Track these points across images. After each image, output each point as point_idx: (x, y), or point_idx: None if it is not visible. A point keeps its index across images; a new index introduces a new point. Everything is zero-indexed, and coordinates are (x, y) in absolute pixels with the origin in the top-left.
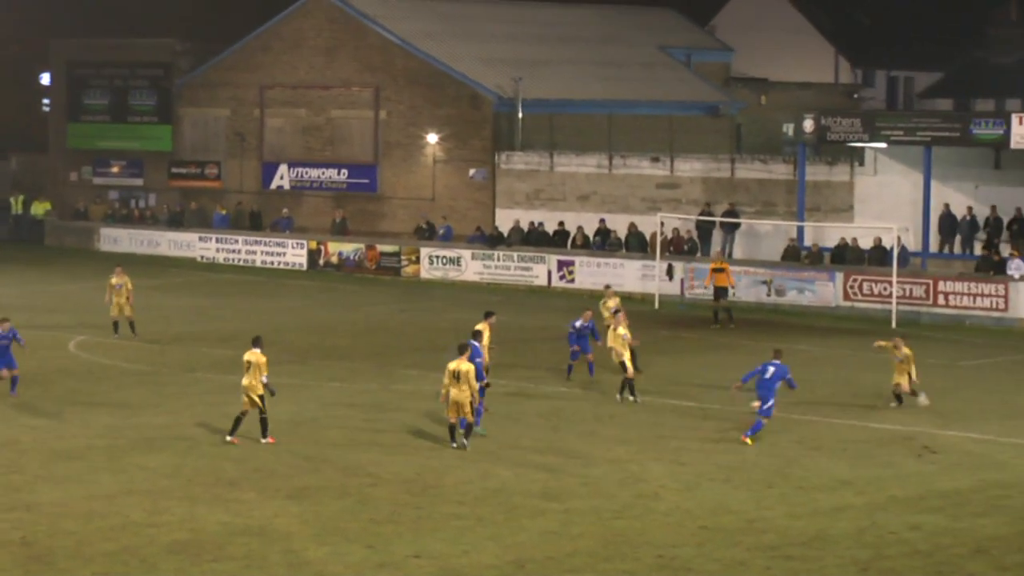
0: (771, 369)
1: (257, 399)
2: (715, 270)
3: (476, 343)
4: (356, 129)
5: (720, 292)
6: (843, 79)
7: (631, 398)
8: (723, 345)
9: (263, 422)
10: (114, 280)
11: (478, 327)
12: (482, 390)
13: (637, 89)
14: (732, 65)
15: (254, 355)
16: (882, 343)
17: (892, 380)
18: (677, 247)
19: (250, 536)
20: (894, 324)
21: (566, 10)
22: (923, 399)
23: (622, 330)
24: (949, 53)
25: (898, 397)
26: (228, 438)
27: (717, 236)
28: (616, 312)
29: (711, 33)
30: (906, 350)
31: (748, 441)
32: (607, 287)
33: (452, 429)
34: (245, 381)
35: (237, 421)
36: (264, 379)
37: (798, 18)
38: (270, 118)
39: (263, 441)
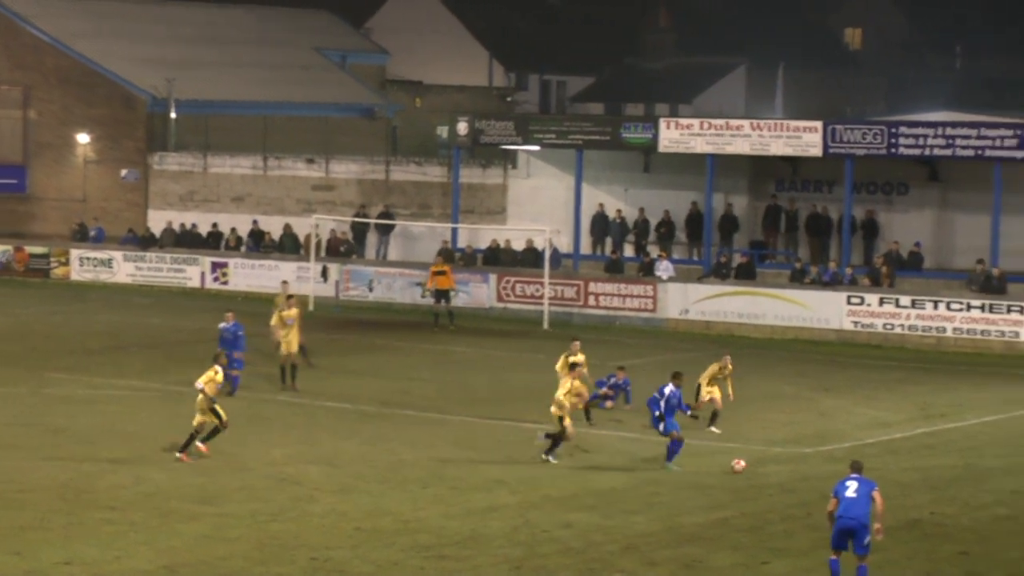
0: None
1: None
2: (436, 272)
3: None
4: (5, 129)
5: (441, 295)
6: (497, 83)
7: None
8: (378, 347)
9: None
10: None
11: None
12: None
13: (293, 91)
14: (387, 68)
15: None
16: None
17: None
18: (332, 249)
19: None
20: (546, 325)
21: (221, 11)
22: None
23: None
24: (601, 58)
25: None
26: None
27: (373, 238)
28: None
29: (367, 35)
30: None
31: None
32: (574, 340)
33: None
34: None
35: None
36: None
37: (453, 21)
38: None
39: None
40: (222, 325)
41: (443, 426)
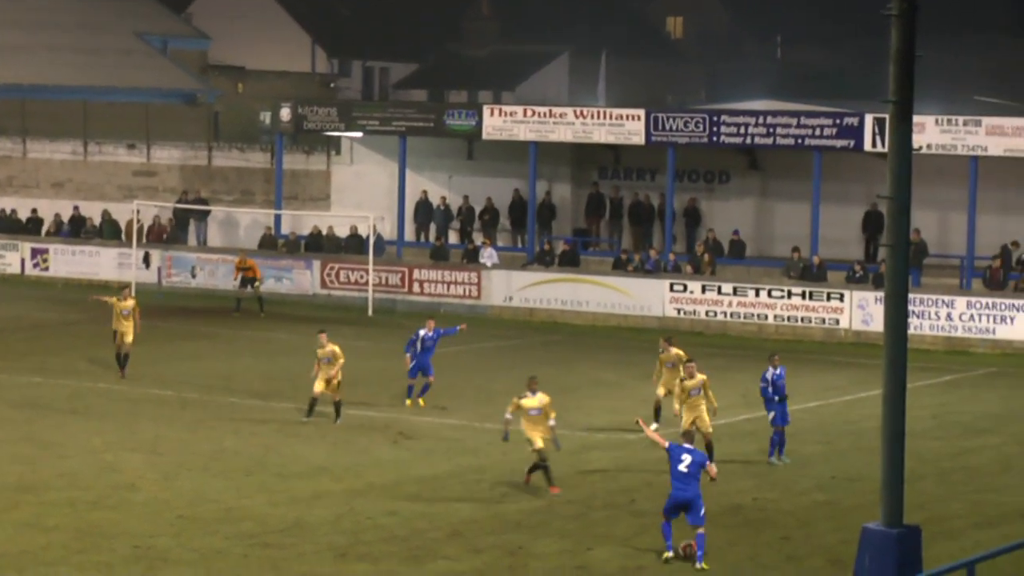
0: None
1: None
2: (241, 268)
3: None
4: None
5: (247, 281)
6: (320, 69)
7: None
8: (200, 334)
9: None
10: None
11: None
12: None
13: (113, 76)
14: (209, 53)
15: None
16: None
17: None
18: (155, 235)
19: None
20: (371, 312)
21: None
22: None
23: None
24: (424, 45)
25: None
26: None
27: (194, 224)
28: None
29: (188, 20)
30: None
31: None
32: (320, 332)
33: None
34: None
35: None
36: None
37: (275, 7)
38: None
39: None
40: None
41: (266, 413)
